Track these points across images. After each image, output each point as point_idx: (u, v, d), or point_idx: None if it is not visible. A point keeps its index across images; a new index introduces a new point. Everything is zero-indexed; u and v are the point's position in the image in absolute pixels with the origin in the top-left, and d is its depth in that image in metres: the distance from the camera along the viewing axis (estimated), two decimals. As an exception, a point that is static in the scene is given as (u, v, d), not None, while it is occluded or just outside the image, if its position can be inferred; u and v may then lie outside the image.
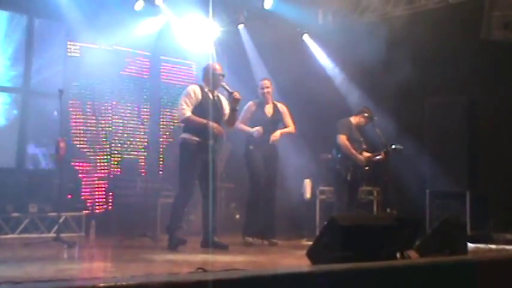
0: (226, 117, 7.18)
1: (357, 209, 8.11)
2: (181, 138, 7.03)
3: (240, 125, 7.73)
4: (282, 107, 7.98)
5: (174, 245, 6.75)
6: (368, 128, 8.26)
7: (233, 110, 7.12)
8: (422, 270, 4.17)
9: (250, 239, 7.56)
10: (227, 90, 7.09)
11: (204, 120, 6.87)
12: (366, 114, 8.15)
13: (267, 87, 7.84)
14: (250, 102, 7.86)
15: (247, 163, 7.79)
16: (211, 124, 6.85)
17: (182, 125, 7.16)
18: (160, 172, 10.32)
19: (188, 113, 6.92)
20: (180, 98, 7.05)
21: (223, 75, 7.21)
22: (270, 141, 7.72)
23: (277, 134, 7.77)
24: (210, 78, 7.12)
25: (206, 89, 7.09)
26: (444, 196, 8.53)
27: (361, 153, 8.02)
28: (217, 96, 7.20)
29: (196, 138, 6.88)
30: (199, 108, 6.98)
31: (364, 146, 8.15)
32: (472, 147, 8.66)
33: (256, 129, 7.65)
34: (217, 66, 7.29)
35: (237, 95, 7.00)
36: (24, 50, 9.40)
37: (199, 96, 6.98)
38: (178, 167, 7.01)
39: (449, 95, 8.86)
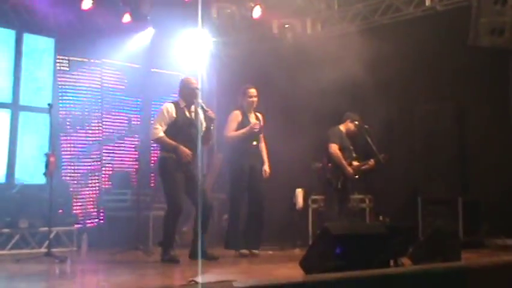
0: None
1: (349, 217, 8.09)
2: (160, 157, 6.98)
3: (231, 133, 7.61)
4: (261, 117, 7.90)
5: (167, 261, 6.70)
6: (359, 136, 8.26)
7: (208, 129, 7.05)
8: (416, 278, 4.16)
9: (245, 251, 7.48)
10: (202, 108, 7.02)
11: (173, 143, 6.81)
12: (352, 120, 8.18)
13: (255, 96, 7.78)
14: (236, 112, 7.70)
15: (232, 173, 7.67)
16: (181, 149, 6.79)
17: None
18: (152, 185, 10.28)
19: (160, 133, 6.86)
20: (155, 117, 6.98)
21: (197, 89, 7.11)
22: (264, 176, 7.68)
23: (267, 170, 7.73)
24: (185, 93, 7.08)
25: (182, 105, 7.01)
26: (436, 203, 8.53)
27: (351, 163, 8.05)
28: (195, 112, 7.10)
29: (174, 155, 6.83)
30: (174, 126, 6.91)
31: (355, 155, 8.17)
32: (462, 154, 8.69)
33: (253, 124, 7.57)
34: (192, 80, 7.17)
35: (211, 114, 6.96)
36: (13, 65, 9.38)
37: (174, 114, 6.90)
38: (163, 186, 6.95)
39: (438, 102, 8.89)
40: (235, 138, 7.61)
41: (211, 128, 7.08)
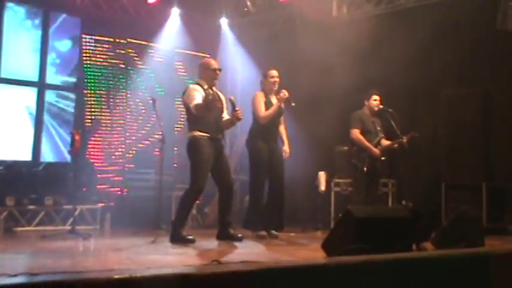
0: (224, 118, 7.08)
1: (376, 202, 8.01)
2: (191, 136, 6.91)
3: (265, 113, 7.50)
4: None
5: (178, 241, 6.65)
6: (383, 118, 8.18)
7: (231, 121, 7.04)
8: (438, 262, 4.14)
9: (263, 233, 7.50)
10: (233, 104, 6.95)
11: (205, 100, 6.71)
12: (369, 98, 8.06)
13: (276, 77, 7.73)
14: (259, 93, 7.66)
15: (252, 155, 7.63)
16: (210, 99, 6.72)
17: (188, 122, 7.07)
18: (175, 165, 10.34)
19: (195, 102, 6.75)
20: (188, 98, 6.86)
21: (219, 70, 7.11)
22: (284, 157, 7.63)
23: (287, 150, 7.67)
24: (206, 74, 7.05)
25: (205, 87, 6.98)
26: (460, 188, 8.47)
27: (379, 143, 7.94)
28: (217, 93, 7.08)
29: (207, 134, 6.85)
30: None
31: (382, 135, 8.03)
32: (487, 139, 8.60)
33: (283, 94, 7.47)
34: (212, 62, 7.18)
35: (239, 114, 6.89)
36: (40, 43, 9.46)
37: (202, 93, 6.88)
38: (191, 164, 6.92)
39: (464, 87, 8.80)
40: (271, 116, 7.54)
41: (235, 123, 7.09)
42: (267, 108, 7.56)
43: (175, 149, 10.50)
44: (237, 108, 6.92)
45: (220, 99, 7.10)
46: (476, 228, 5.85)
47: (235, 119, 6.94)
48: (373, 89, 8.18)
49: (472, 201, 8.14)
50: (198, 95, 6.82)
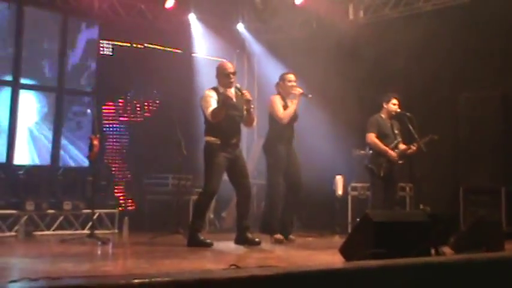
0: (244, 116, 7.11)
1: (393, 206, 7.96)
2: (205, 141, 6.98)
3: (284, 113, 7.50)
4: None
5: (196, 245, 6.70)
6: (401, 122, 8.12)
7: (247, 111, 7.06)
8: (457, 267, 4.12)
9: (280, 236, 7.49)
10: (239, 90, 7.03)
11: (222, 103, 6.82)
12: (389, 101, 8.00)
13: (294, 81, 7.72)
14: (276, 96, 7.65)
15: (269, 158, 7.64)
16: (225, 98, 6.79)
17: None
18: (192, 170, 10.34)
19: (211, 108, 6.84)
20: (204, 106, 6.93)
21: (234, 73, 7.11)
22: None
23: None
24: (221, 78, 7.06)
25: (221, 90, 7.02)
26: (478, 192, 8.42)
27: (396, 146, 7.88)
28: (235, 95, 7.10)
29: (220, 139, 6.88)
30: None
31: (400, 139, 7.95)
32: (506, 142, 8.54)
33: (296, 90, 7.54)
34: (227, 65, 7.19)
35: (247, 95, 6.95)
36: (58, 49, 9.52)
37: (217, 98, 6.93)
38: (205, 169, 6.98)
39: (482, 90, 8.74)
40: (291, 114, 7.54)
41: (251, 109, 7.07)
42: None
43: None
44: (243, 92, 7.00)
45: (240, 103, 7.10)
46: (496, 233, 5.81)
47: (246, 102, 6.97)
48: (392, 92, 8.13)
49: (491, 205, 8.09)
50: (213, 101, 6.87)
